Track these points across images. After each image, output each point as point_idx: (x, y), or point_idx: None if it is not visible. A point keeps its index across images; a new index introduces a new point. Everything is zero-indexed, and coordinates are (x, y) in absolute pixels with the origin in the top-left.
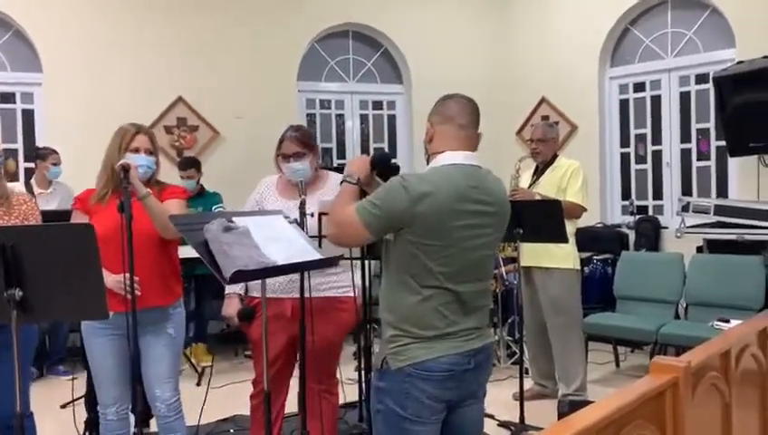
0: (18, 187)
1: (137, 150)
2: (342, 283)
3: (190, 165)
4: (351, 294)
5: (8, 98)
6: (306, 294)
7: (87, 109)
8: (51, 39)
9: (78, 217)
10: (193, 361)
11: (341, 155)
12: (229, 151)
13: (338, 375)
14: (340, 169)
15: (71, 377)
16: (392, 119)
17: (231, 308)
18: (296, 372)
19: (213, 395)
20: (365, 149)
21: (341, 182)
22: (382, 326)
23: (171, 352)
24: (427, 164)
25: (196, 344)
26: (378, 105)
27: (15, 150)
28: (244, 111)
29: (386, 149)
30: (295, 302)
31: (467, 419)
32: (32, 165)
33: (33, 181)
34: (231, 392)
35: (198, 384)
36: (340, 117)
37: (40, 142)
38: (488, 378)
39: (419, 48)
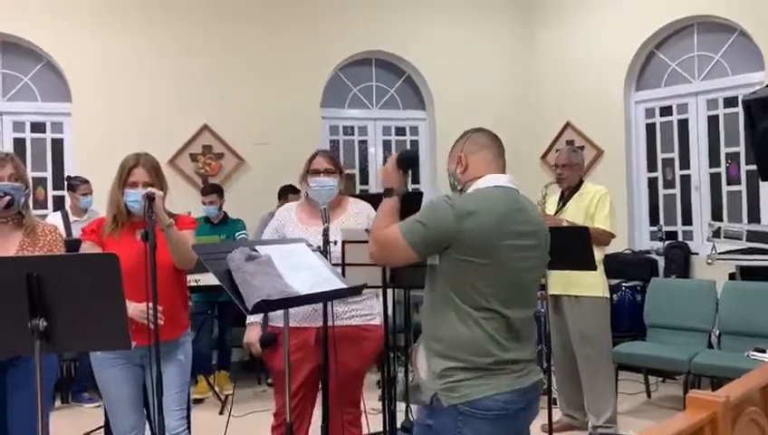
0: (51, 216)
1: (134, 185)
2: (366, 311)
3: (212, 191)
4: (376, 323)
5: (39, 127)
6: (330, 323)
7: (115, 137)
8: (80, 70)
9: (89, 249)
10: (216, 389)
11: (364, 181)
12: (253, 178)
13: (361, 405)
14: (362, 196)
15: (95, 404)
16: (415, 144)
17: (252, 335)
18: (318, 402)
19: (235, 423)
20: None
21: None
22: (428, 357)
23: (180, 382)
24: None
25: (219, 372)
26: (401, 131)
27: (45, 179)
28: (268, 138)
29: (409, 175)
30: (319, 331)
31: None
32: (61, 193)
33: (68, 208)
34: (253, 421)
35: (221, 413)
36: (363, 143)
37: (69, 171)
38: (534, 418)
39: (442, 74)
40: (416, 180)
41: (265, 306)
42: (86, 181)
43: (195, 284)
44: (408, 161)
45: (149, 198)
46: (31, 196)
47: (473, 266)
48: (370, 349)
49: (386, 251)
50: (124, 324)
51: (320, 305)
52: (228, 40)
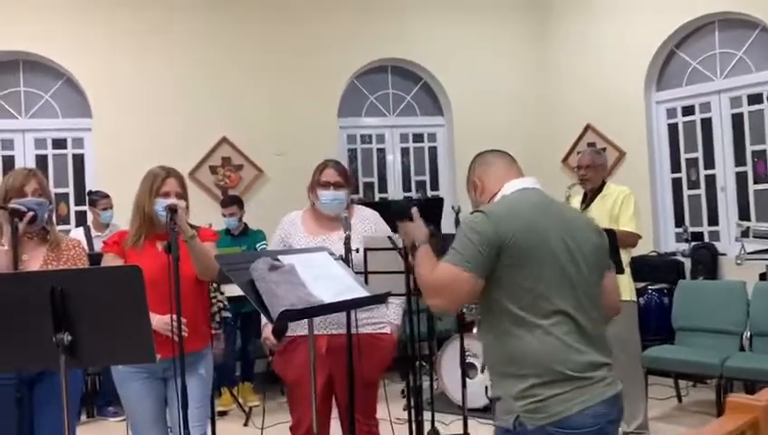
0: (74, 232)
1: (167, 195)
2: (378, 319)
3: (232, 202)
4: (387, 331)
5: (60, 143)
6: (341, 331)
7: (135, 152)
8: (99, 85)
9: (111, 261)
10: (240, 400)
11: (383, 189)
12: (272, 189)
13: (383, 414)
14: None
15: (120, 418)
16: (433, 150)
17: (267, 331)
18: (334, 413)
19: None
20: (407, 183)
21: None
22: (501, 381)
23: (201, 395)
24: None
25: (243, 384)
26: (418, 138)
27: (67, 194)
28: (286, 148)
29: (428, 182)
30: (331, 339)
31: None
32: (83, 208)
33: (90, 224)
34: (278, 433)
35: (246, 424)
36: (381, 151)
37: (90, 186)
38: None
39: (459, 79)
40: (435, 187)
41: (290, 316)
42: (107, 196)
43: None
44: (399, 214)
45: (172, 211)
46: (54, 211)
47: (527, 268)
48: (383, 358)
49: (447, 292)
50: (149, 338)
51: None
52: (245, 53)
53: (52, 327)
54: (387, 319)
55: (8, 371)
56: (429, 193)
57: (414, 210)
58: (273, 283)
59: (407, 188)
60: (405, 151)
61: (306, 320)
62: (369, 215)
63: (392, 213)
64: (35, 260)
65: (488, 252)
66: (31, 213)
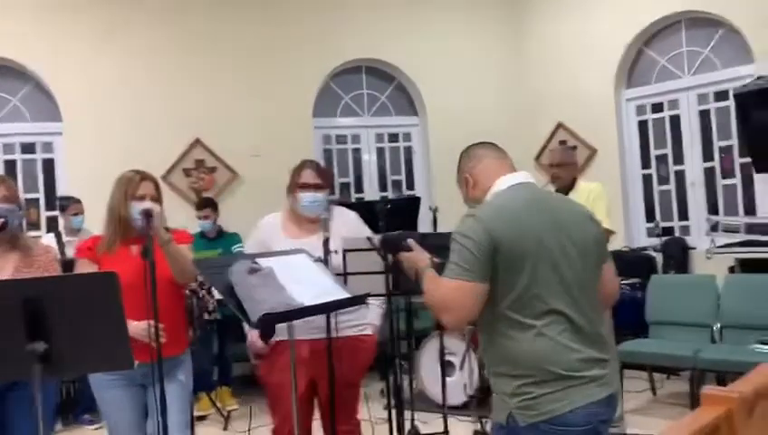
0: (45, 237)
1: (142, 198)
2: (359, 321)
3: (206, 205)
4: (368, 332)
5: (29, 148)
6: (323, 335)
7: (106, 156)
8: (69, 89)
9: (85, 266)
10: (218, 405)
11: (359, 189)
12: (247, 191)
13: (363, 415)
14: (355, 206)
15: (97, 426)
16: (408, 150)
17: (253, 335)
18: (316, 416)
19: None
20: (382, 182)
21: (417, 275)
22: (496, 380)
23: (182, 400)
24: None
25: (221, 388)
26: (393, 138)
27: (37, 200)
28: (260, 149)
29: (404, 181)
30: (314, 343)
31: None
32: (54, 213)
33: (61, 229)
34: None
35: (225, 428)
36: (356, 151)
37: (61, 191)
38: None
39: (433, 79)
40: (411, 187)
41: (270, 319)
42: (77, 201)
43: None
44: (392, 247)
45: (148, 215)
46: (24, 217)
47: (520, 270)
48: (364, 359)
49: (457, 306)
50: (126, 343)
51: (312, 317)
52: (217, 54)
53: (25, 336)
54: (367, 320)
55: None
56: (405, 192)
57: (410, 241)
58: (252, 286)
59: (383, 187)
60: (380, 151)
61: (287, 323)
62: (351, 216)
63: (387, 245)
64: (6, 268)
65: (484, 256)
66: (1, 220)
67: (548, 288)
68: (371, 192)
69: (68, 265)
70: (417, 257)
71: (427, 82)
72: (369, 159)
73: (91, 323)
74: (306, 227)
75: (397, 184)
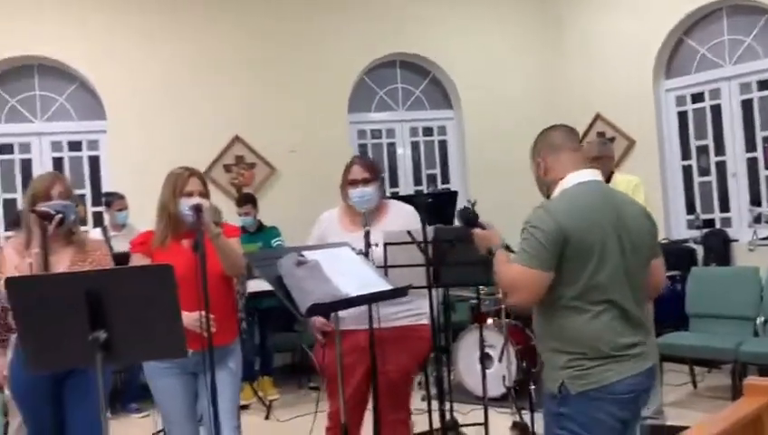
0: (92, 232)
1: (190, 194)
2: (415, 311)
3: (247, 202)
4: (424, 322)
5: (76, 146)
6: (378, 325)
7: (149, 152)
8: (113, 88)
9: (138, 260)
10: (260, 394)
11: (394, 183)
12: (285, 186)
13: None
14: (402, 198)
15: (144, 414)
16: (443, 144)
17: (318, 320)
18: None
19: (281, 428)
20: (417, 177)
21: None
22: (549, 354)
23: (232, 389)
24: (547, 198)
25: (262, 378)
26: (428, 131)
27: (83, 196)
28: (297, 145)
29: (439, 175)
30: (368, 333)
31: None
32: (99, 209)
33: (107, 224)
34: (299, 425)
35: (267, 417)
36: (391, 145)
37: (106, 187)
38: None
39: (468, 71)
40: (446, 181)
41: (318, 309)
42: (122, 197)
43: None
44: (466, 220)
45: (197, 210)
46: (78, 213)
47: (586, 262)
48: (421, 348)
49: (523, 290)
50: (181, 333)
51: (366, 308)
52: (255, 53)
53: (89, 326)
54: (423, 310)
55: (48, 370)
56: (440, 186)
57: (486, 221)
58: (301, 278)
59: (417, 181)
60: (415, 145)
61: (348, 315)
62: (407, 210)
63: (461, 219)
64: (62, 262)
65: (553, 248)
66: (59, 215)
67: (607, 280)
68: (406, 186)
69: (117, 258)
70: (491, 235)
71: (461, 76)
72: (404, 154)
73: (147, 314)
74: (359, 221)
75: (431, 178)
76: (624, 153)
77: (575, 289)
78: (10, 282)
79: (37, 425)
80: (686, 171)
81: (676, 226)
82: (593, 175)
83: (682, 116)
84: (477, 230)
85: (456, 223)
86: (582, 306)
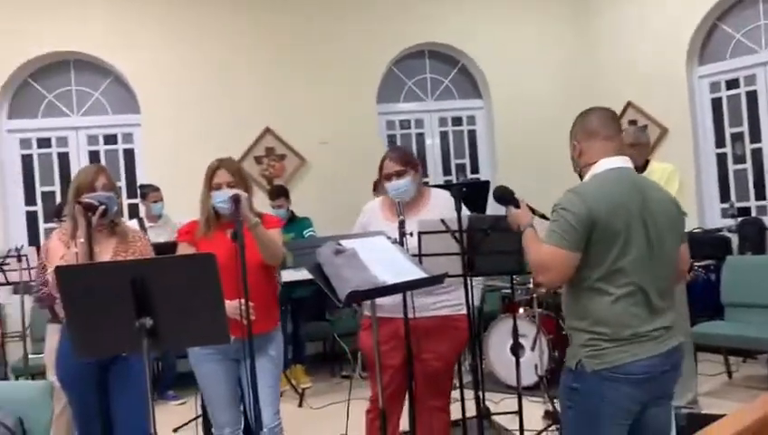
0: (129, 223)
1: (218, 186)
2: (454, 301)
3: (280, 194)
4: (464, 312)
5: (111, 139)
6: (417, 314)
7: (182, 145)
8: (147, 82)
9: (184, 249)
10: (293, 382)
11: (423, 173)
12: (315, 177)
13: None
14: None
15: (180, 401)
16: (472, 133)
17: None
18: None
19: (314, 416)
20: (446, 166)
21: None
22: (573, 333)
23: (272, 375)
24: (580, 178)
25: (295, 366)
26: (457, 121)
27: (119, 188)
28: (327, 136)
29: (467, 165)
30: (410, 322)
31: (658, 418)
32: (134, 201)
33: (143, 216)
34: (332, 413)
35: (300, 405)
36: (420, 136)
37: (141, 179)
38: (679, 378)
39: (497, 60)
40: (475, 170)
41: (356, 296)
42: (156, 189)
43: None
44: (501, 198)
45: (235, 201)
46: (119, 204)
47: (613, 246)
48: (459, 339)
49: (553, 269)
50: (223, 320)
51: (408, 296)
52: (284, 44)
53: (135, 313)
54: (461, 301)
55: (95, 356)
56: (470, 176)
57: (521, 199)
58: (339, 266)
59: (446, 171)
60: (444, 135)
61: (385, 303)
62: (444, 197)
63: (497, 198)
64: (106, 252)
65: (582, 229)
66: (102, 206)
67: (632, 264)
68: (435, 176)
69: (157, 248)
70: (522, 214)
71: (490, 65)
72: (433, 144)
73: (191, 301)
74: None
75: (460, 167)
76: (657, 141)
77: (600, 271)
78: (59, 271)
79: (83, 410)
80: (721, 159)
81: (710, 214)
82: (624, 162)
83: (716, 103)
84: (511, 208)
85: (491, 207)
86: (606, 288)
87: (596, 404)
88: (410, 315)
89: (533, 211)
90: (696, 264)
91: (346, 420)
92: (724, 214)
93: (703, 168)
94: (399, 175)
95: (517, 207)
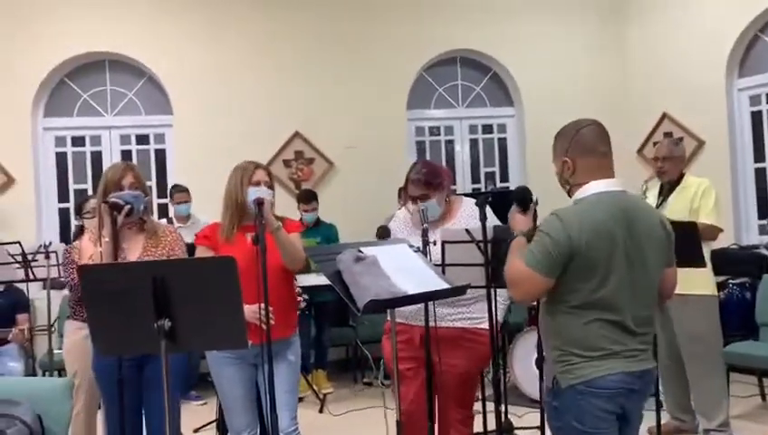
0: (162, 222)
1: (258, 183)
2: (474, 314)
3: (311, 199)
4: (485, 326)
5: (143, 139)
6: (434, 323)
7: (212, 147)
8: (179, 84)
9: (202, 253)
10: (315, 388)
11: (452, 181)
12: (344, 182)
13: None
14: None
15: (202, 402)
16: (503, 142)
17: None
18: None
19: (336, 422)
20: (475, 174)
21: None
22: (548, 350)
23: (290, 381)
24: (569, 196)
25: (316, 371)
26: (488, 129)
27: (150, 187)
28: (356, 141)
29: (497, 173)
30: (423, 330)
31: None
32: (165, 201)
33: (172, 216)
34: (353, 420)
35: (321, 411)
36: (449, 143)
37: (171, 180)
38: (645, 403)
39: (529, 68)
40: (504, 179)
41: (375, 306)
42: (183, 190)
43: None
44: (520, 199)
45: (259, 203)
46: (148, 203)
47: (592, 276)
48: (479, 352)
49: (522, 288)
50: (242, 324)
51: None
52: (315, 50)
53: (154, 314)
54: (481, 315)
55: (114, 355)
56: (499, 185)
57: (534, 207)
58: (359, 274)
59: (475, 180)
60: (473, 143)
61: (404, 309)
62: (472, 207)
63: (515, 198)
64: (135, 249)
65: (559, 256)
66: (128, 206)
67: (613, 295)
68: (464, 184)
69: (189, 248)
70: (521, 220)
71: (523, 73)
72: (462, 151)
73: (210, 304)
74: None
75: (490, 176)
76: (692, 154)
77: (577, 299)
78: (81, 269)
79: (116, 407)
80: (759, 174)
81: (747, 230)
82: (614, 184)
83: (756, 116)
84: (515, 210)
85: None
86: (581, 313)
87: (578, 418)
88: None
89: (534, 226)
90: (730, 281)
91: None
92: (762, 230)
93: (740, 182)
94: (423, 199)
95: (524, 212)
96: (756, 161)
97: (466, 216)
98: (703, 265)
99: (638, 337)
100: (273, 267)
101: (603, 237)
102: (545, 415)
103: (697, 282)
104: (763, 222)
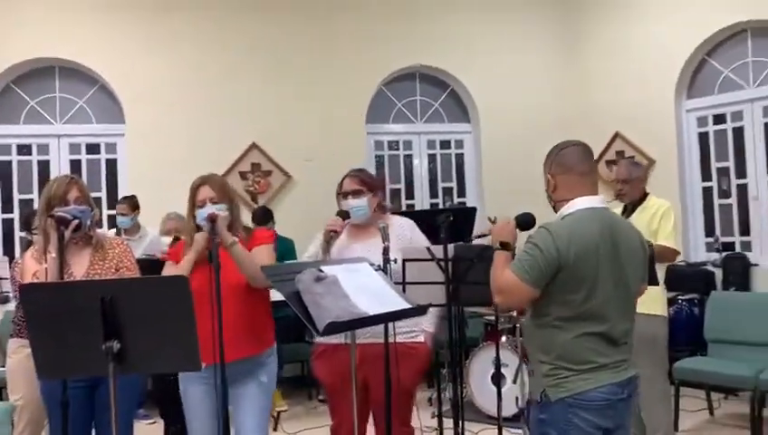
0: (109, 233)
1: (202, 203)
2: (409, 328)
3: (268, 218)
4: (420, 340)
5: (93, 149)
6: (373, 340)
7: (166, 157)
8: (132, 92)
9: (170, 269)
10: None
11: (410, 195)
12: (301, 194)
13: (415, 423)
14: (415, 215)
15: (151, 421)
16: (460, 157)
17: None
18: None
19: None
20: (433, 189)
21: (494, 250)
22: (533, 364)
23: (259, 404)
24: (554, 211)
25: None
26: (445, 144)
27: (99, 199)
28: (314, 154)
29: (455, 189)
30: (364, 347)
31: None
32: (114, 212)
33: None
34: None
35: (275, 429)
36: (408, 157)
37: (123, 190)
38: (633, 409)
39: (486, 87)
40: (462, 194)
41: (335, 328)
42: (125, 201)
43: None
44: (525, 224)
45: (212, 220)
46: (95, 216)
47: (579, 290)
48: (416, 367)
49: (508, 295)
50: (195, 346)
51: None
52: (274, 61)
53: (102, 335)
54: (420, 327)
55: (57, 378)
56: (456, 200)
57: (511, 221)
58: (318, 294)
59: (434, 194)
60: (432, 158)
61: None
62: (405, 224)
63: (519, 223)
64: (81, 264)
65: (547, 269)
66: (76, 221)
67: (599, 309)
68: (422, 199)
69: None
70: (500, 232)
71: (480, 90)
72: (421, 166)
73: (162, 325)
74: (357, 234)
75: (447, 191)
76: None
77: (563, 312)
78: (22, 289)
79: (64, 430)
80: (707, 193)
81: (694, 248)
82: (599, 202)
83: (703, 137)
84: (494, 226)
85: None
86: (569, 326)
87: (565, 432)
88: (365, 341)
89: (513, 245)
90: (679, 297)
91: None
92: (709, 248)
93: (688, 201)
94: (355, 194)
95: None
96: (704, 180)
97: (395, 234)
98: (656, 283)
99: (620, 347)
100: (235, 284)
101: (590, 251)
102: (529, 430)
103: (648, 302)
104: (710, 240)
